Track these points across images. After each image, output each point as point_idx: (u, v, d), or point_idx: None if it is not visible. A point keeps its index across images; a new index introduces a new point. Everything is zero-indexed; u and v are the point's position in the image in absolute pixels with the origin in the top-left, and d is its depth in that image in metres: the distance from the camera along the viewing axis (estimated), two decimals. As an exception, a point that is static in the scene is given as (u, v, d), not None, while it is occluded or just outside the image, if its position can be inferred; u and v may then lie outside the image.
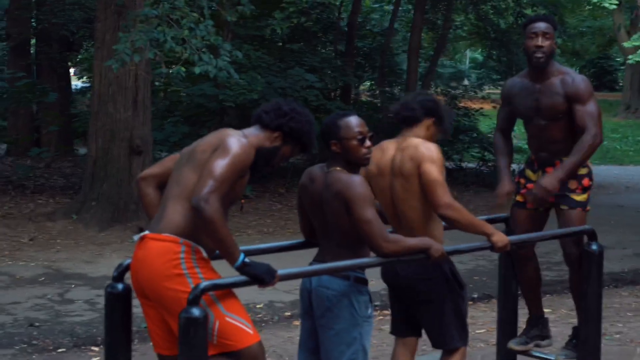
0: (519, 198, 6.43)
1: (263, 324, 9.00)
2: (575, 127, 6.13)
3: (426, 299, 5.53)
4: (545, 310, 9.09)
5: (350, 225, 4.92)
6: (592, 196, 19.02)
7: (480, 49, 33.73)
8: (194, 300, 4.34)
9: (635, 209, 17.17)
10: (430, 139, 5.53)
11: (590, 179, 6.29)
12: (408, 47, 21.55)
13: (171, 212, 4.64)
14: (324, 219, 5.06)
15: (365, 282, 5.11)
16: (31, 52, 22.52)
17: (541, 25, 6.15)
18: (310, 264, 5.15)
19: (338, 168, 5.01)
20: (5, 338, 8.27)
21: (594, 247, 5.99)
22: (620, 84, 50.17)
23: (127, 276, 4.88)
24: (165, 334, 4.74)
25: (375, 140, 5.39)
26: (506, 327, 6.58)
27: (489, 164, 19.74)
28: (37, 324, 8.68)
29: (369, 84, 25.89)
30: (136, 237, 4.74)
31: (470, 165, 20.70)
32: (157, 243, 4.62)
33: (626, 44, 22.78)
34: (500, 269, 6.61)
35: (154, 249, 4.61)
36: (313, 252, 5.28)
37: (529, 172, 6.43)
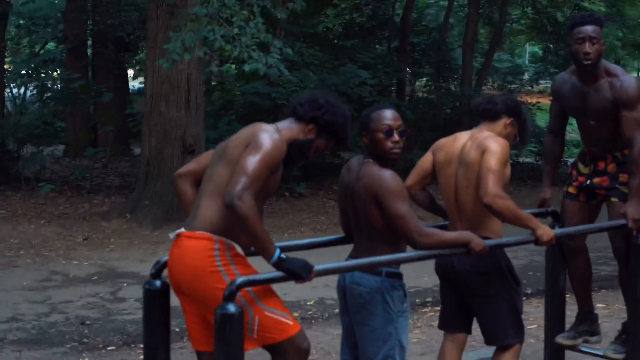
0: (570, 190, 6.34)
1: (313, 321, 9.00)
2: (620, 131, 6.03)
3: (483, 293, 5.47)
4: (599, 305, 9.01)
5: (381, 219, 4.86)
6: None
7: (539, 43, 33.35)
8: (229, 296, 4.31)
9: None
10: (505, 137, 5.50)
11: None
12: (463, 41, 21.39)
13: (205, 209, 4.63)
14: (356, 211, 5.01)
15: (399, 276, 5.04)
16: (88, 53, 22.73)
17: (587, 29, 5.98)
18: (346, 259, 5.10)
19: (371, 161, 4.96)
20: (57, 336, 8.34)
21: (643, 240, 5.86)
22: (683, 77, 49.42)
23: (165, 273, 4.87)
24: (204, 330, 4.73)
25: (428, 137, 5.34)
26: (554, 322, 6.47)
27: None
28: (88, 322, 8.75)
29: (425, 80, 25.75)
30: (172, 235, 4.73)
31: (528, 160, 20.50)
32: (191, 241, 4.61)
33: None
34: (547, 263, 6.50)
35: (189, 247, 4.60)
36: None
37: (580, 166, 6.34)
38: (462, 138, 5.53)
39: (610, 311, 8.81)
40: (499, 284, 5.44)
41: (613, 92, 6.00)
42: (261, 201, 4.59)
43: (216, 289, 4.48)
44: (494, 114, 5.55)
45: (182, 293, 4.70)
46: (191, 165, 5.01)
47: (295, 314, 9.06)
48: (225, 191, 4.41)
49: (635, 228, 5.88)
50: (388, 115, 5.00)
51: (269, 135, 4.56)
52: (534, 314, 8.89)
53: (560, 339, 6.37)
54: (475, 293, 5.49)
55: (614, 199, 6.14)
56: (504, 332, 5.49)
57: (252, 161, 4.45)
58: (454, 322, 5.74)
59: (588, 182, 6.22)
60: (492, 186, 5.15)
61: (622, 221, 5.92)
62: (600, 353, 6.30)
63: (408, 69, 21.09)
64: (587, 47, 5.95)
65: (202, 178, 4.83)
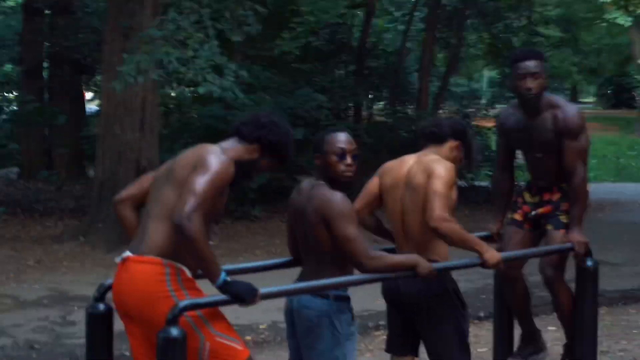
0: (516, 217, 6.36)
1: (265, 345, 8.95)
2: (564, 162, 6.10)
3: (428, 316, 5.46)
4: (550, 327, 9.03)
5: (329, 241, 4.86)
6: (607, 213, 18.95)
7: (496, 68, 33.59)
8: (173, 320, 4.28)
9: (649, 226, 17.05)
10: (452, 161, 5.51)
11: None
12: (419, 65, 21.48)
13: (152, 233, 4.58)
14: (305, 233, 5.00)
15: (346, 299, 5.02)
16: (44, 75, 22.60)
17: (529, 65, 5.97)
18: (295, 282, 5.08)
19: (322, 183, 4.96)
20: (5, 360, 8.24)
21: (589, 262, 5.91)
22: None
23: (109, 296, 4.82)
24: (150, 354, 4.67)
25: (385, 160, 5.40)
26: (502, 345, 6.50)
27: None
28: (37, 346, 8.63)
29: (382, 103, 25.82)
30: (118, 259, 4.68)
31: (483, 183, 20.58)
32: (141, 266, 4.56)
33: (642, 62, 22.71)
34: (495, 286, 6.53)
35: (139, 271, 4.55)
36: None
37: (526, 195, 6.40)
38: (409, 161, 5.53)
39: (562, 334, 8.79)
40: (445, 307, 5.44)
41: (555, 123, 6.05)
42: (208, 223, 4.56)
43: (167, 315, 4.42)
44: (440, 138, 5.58)
45: (128, 317, 4.65)
46: (132, 190, 4.94)
47: (248, 338, 9.01)
48: (174, 212, 4.37)
49: (581, 251, 5.92)
50: (342, 138, 5.01)
51: (216, 157, 4.54)
52: (485, 337, 8.89)
53: None
54: (422, 316, 5.49)
55: (549, 226, 6.19)
56: (450, 355, 5.49)
57: (200, 182, 4.42)
58: (400, 344, 5.74)
59: (533, 213, 6.26)
60: (438, 210, 5.16)
61: (568, 244, 5.96)
62: None
63: (366, 93, 21.10)
64: (529, 82, 5.97)
65: (144, 202, 4.79)
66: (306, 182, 5.13)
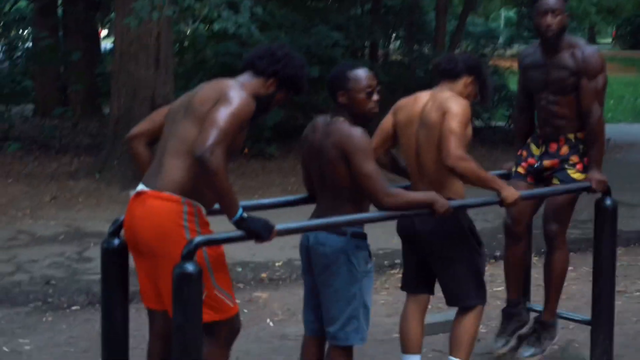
0: (519, 170, 6.31)
1: (280, 282, 8.96)
2: (578, 103, 6.04)
3: (444, 255, 5.45)
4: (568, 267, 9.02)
5: (348, 178, 4.82)
6: (624, 154, 18.90)
7: (513, 7, 33.31)
8: (188, 255, 4.25)
9: (666, 166, 16.96)
10: (466, 97, 5.46)
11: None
12: (436, 4, 21.29)
13: (170, 168, 4.53)
14: (321, 170, 4.95)
15: (363, 236, 5.00)
16: (58, 12, 22.46)
17: (550, 2, 6.00)
18: (309, 219, 5.04)
19: (341, 119, 4.90)
20: (21, 296, 8.26)
21: (608, 202, 5.86)
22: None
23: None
24: (159, 289, 4.65)
25: (398, 97, 5.35)
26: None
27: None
28: (53, 281, 8.66)
29: (398, 42, 25.66)
30: (132, 192, 4.64)
31: (500, 123, 20.50)
32: (158, 202, 4.51)
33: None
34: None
35: (156, 207, 4.51)
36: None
37: (532, 146, 6.33)
38: (423, 98, 5.47)
39: (578, 273, 8.81)
40: (460, 246, 5.42)
41: (575, 62, 6.01)
42: (229, 159, 4.51)
43: (178, 255, 4.38)
44: (455, 74, 5.52)
45: (138, 251, 4.63)
46: (145, 125, 4.89)
47: (263, 275, 9.03)
48: (196, 145, 4.31)
49: (600, 189, 5.88)
50: (368, 75, 4.98)
51: (237, 92, 4.49)
52: (501, 275, 8.82)
53: (499, 350, 6.39)
54: (437, 254, 5.47)
55: (556, 180, 6.13)
56: (466, 293, 5.48)
57: (224, 116, 4.36)
58: (415, 283, 5.72)
59: (537, 164, 6.20)
60: (454, 148, 5.11)
61: (586, 183, 5.92)
62: (586, 319, 6.27)
63: (382, 31, 20.94)
64: (549, 19, 5.97)
65: (157, 137, 4.75)
66: (321, 119, 5.07)
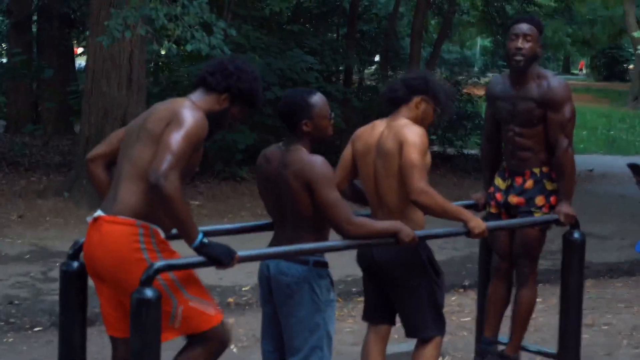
0: (492, 210, 6.26)
1: (247, 307, 8.89)
2: (547, 134, 6.00)
3: (402, 285, 5.37)
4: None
5: (310, 207, 4.74)
6: (596, 185, 18.90)
7: (489, 36, 33.48)
8: (147, 281, 4.16)
9: (638, 199, 16.96)
10: (422, 118, 5.39)
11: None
12: (411, 30, 21.33)
13: (125, 193, 4.45)
14: (280, 200, 4.87)
15: (325, 265, 4.93)
16: (33, 28, 22.37)
17: (523, 27, 5.97)
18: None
19: (299, 147, 4.83)
20: (-17, 315, 8.14)
21: (576, 235, 5.82)
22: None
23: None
24: (120, 316, 4.57)
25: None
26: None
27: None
28: (16, 302, 8.54)
29: (373, 68, 25.70)
30: (89, 218, 4.55)
31: (472, 151, 20.52)
32: (113, 226, 4.43)
33: (636, 34, 22.61)
34: (480, 255, 6.44)
35: (111, 232, 4.43)
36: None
37: (499, 180, 6.26)
38: (379, 127, 5.39)
39: (546, 305, 8.76)
40: (418, 276, 5.33)
41: (540, 93, 5.96)
42: (184, 181, 4.44)
43: (140, 277, 4.30)
44: (402, 100, 5.41)
45: (99, 278, 4.54)
46: (102, 148, 4.80)
47: (230, 299, 8.95)
48: (150, 170, 4.22)
49: (568, 222, 5.84)
50: (324, 99, 4.94)
51: (190, 112, 4.40)
52: (469, 305, 8.83)
53: None
54: (395, 284, 5.39)
55: None
56: (424, 324, 5.40)
57: (177, 139, 4.28)
58: (376, 313, 5.64)
59: (504, 199, 6.15)
60: (417, 181, 5.06)
61: (554, 216, 5.88)
62: (552, 352, 6.22)
63: (357, 56, 20.94)
64: (520, 42, 5.92)
65: (115, 159, 4.67)
66: (273, 148, 4.99)
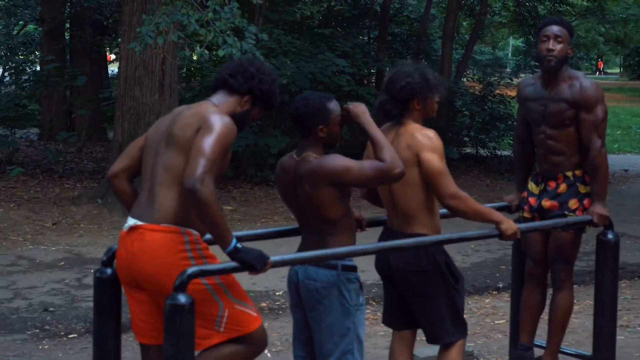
0: (525, 215, 6.21)
1: (280, 312, 8.89)
2: (580, 135, 5.96)
3: (420, 292, 5.29)
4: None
5: (333, 210, 4.77)
6: (631, 185, 18.82)
7: (521, 36, 33.34)
8: (180, 287, 4.18)
9: (673, 198, 16.87)
10: (426, 113, 5.29)
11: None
12: (443, 32, 21.30)
13: (163, 199, 4.45)
14: (302, 207, 4.89)
15: (354, 269, 4.92)
16: (65, 36, 22.52)
17: (554, 29, 5.95)
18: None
19: (310, 153, 4.85)
20: (19, 323, 8.21)
21: (610, 235, 5.77)
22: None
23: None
24: (155, 323, 4.58)
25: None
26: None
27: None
28: (51, 308, 8.61)
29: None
30: (126, 227, 4.55)
31: (506, 152, 20.45)
32: (158, 234, 4.43)
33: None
34: (513, 258, 6.41)
35: (156, 241, 4.43)
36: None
37: (532, 185, 6.22)
38: (388, 135, 5.21)
39: (581, 307, 8.71)
40: (436, 282, 5.26)
41: (572, 93, 5.92)
42: (216, 185, 4.45)
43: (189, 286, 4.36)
44: (401, 107, 5.24)
45: (137, 286, 4.55)
46: (124, 162, 4.76)
47: (264, 304, 8.96)
48: (186, 176, 4.23)
49: (601, 224, 5.80)
50: (338, 105, 4.92)
51: (219, 117, 4.42)
52: (503, 308, 8.80)
53: None
54: (413, 291, 5.31)
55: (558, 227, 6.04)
56: (445, 330, 5.33)
57: (210, 144, 4.29)
58: (398, 319, 5.56)
59: (537, 203, 6.11)
60: (448, 187, 5.03)
61: (587, 217, 5.84)
62: (587, 354, 6.17)
63: (389, 59, 20.91)
64: (551, 44, 5.90)
65: (138, 171, 4.69)
66: (287, 158, 5.01)
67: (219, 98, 4.63)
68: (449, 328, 5.32)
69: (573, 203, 5.99)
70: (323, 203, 4.75)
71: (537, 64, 26.92)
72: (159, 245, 4.42)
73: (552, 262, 6.10)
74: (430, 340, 5.46)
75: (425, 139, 5.11)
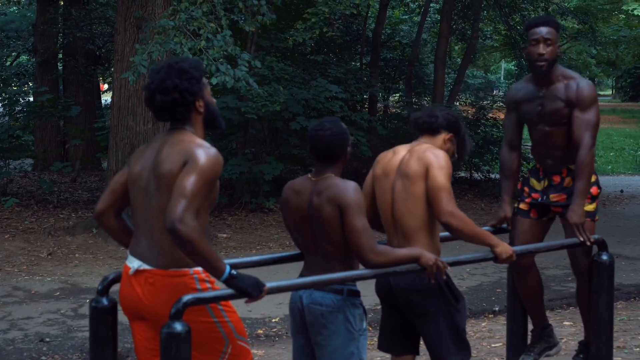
0: (522, 206, 6.23)
1: (277, 338, 8.88)
2: (571, 134, 5.96)
3: (421, 312, 5.31)
4: (565, 323, 8.92)
5: (341, 234, 4.75)
6: (624, 206, 18.88)
7: (513, 60, 33.48)
8: (176, 315, 4.17)
9: (667, 219, 16.89)
10: (447, 150, 5.40)
11: (599, 187, 6.09)
12: (435, 57, 21.38)
13: (164, 244, 4.41)
14: (312, 231, 4.89)
15: (358, 294, 4.94)
16: (58, 66, 22.56)
17: (542, 31, 5.95)
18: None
19: (331, 174, 4.88)
20: (15, 354, 8.19)
21: (605, 257, 5.78)
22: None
23: (113, 290, 4.72)
24: (157, 350, 4.57)
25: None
26: (516, 340, 6.36)
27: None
28: (47, 339, 8.59)
29: (397, 95, 25.75)
30: (131, 271, 4.53)
31: (499, 176, 20.45)
32: (169, 280, 4.43)
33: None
34: (509, 280, 6.41)
35: (167, 287, 4.43)
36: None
37: (533, 182, 6.24)
38: (401, 152, 5.39)
39: (577, 329, 8.70)
40: (436, 302, 5.27)
41: (568, 93, 5.95)
42: (205, 213, 4.44)
43: (202, 323, 4.42)
44: (434, 128, 5.43)
45: (144, 320, 4.54)
46: (109, 199, 4.74)
47: (260, 331, 8.96)
48: (165, 216, 4.21)
49: (579, 223, 5.77)
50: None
51: (204, 151, 4.37)
52: (500, 331, 8.79)
53: None
54: (414, 311, 5.33)
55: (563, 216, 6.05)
56: (447, 350, 5.33)
57: (192, 181, 4.25)
58: (395, 344, 5.55)
59: (543, 198, 6.13)
60: (447, 204, 5.05)
61: (575, 240, 5.83)
62: None
63: (381, 84, 21.01)
64: (541, 48, 5.92)
65: (123, 205, 4.69)
66: (300, 181, 5.03)
67: (188, 128, 4.54)
68: (450, 347, 5.33)
69: None
70: (335, 225, 4.77)
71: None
72: (171, 290, 4.42)
73: (574, 259, 6.07)
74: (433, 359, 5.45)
75: (435, 157, 5.20)
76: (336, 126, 4.95)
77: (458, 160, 5.58)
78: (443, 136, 5.43)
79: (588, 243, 5.80)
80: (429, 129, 5.44)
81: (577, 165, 5.90)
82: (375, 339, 8.51)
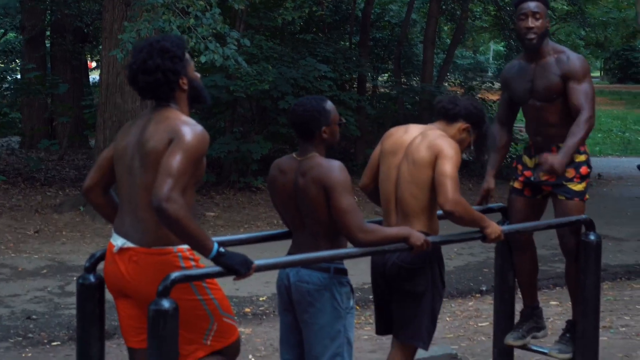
0: (516, 185, 6.24)
1: (264, 317, 8.89)
2: (570, 106, 5.93)
3: (408, 288, 5.29)
4: (552, 302, 8.95)
5: (328, 213, 4.74)
6: (612, 188, 18.96)
7: (502, 41, 33.43)
8: (163, 292, 4.16)
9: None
10: (458, 142, 5.35)
11: (589, 167, 6.08)
12: (424, 37, 21.35)
13: (149, 222, 4.39)
14: (298, 209, 4.87)
15: (345, 272, 4.92)
16: (46, 44, 22.46)
17: (530, 5, 5.93)
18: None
19: (315, 154, 4.85)
20: (1, 331, 8.19)
21: (592, 237, 5.78)
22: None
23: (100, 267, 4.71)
24: (143, 327, 4.55)
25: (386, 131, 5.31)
26: (503, 320, 6.35)
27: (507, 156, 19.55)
28: (34, 316, 8.58)
29: (386, 75, 25.72)
30: (115, 249, 4.51)
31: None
32: (152, 258, 4.41)
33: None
34: (496, 260, 6.41)
35: (151, 265, 4.41)
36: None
37: (525, 159, 6.24)
38: (413, 131, 5.36)
39: (564, 308, 8.73)
40: (426, 283, 5.28)
41: (560, 66, 5.93)
42: (192, 191, 4.42)
43: (188, 301, 4.39)
44: (451, 116, 5.40)
45: (129, 298, 4.53)
46: (96, 176, 4.73)
47: (247, 310, 8.97)
48: (152, 195, 4.18)
49: (550, 170, 5.71)
50: (333, 105, 4.96)
51: (190, 128, 4.34)
52: (487, 310, 8.82)
53: (510, 340, 6.26)
54: (402, 288, 5.31)
55: (561, 197, 6.04)
56: (418, 333, 5.32)
57: (178, 160, 4.22)
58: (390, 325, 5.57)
59: (534, 177, 6.13)
60: (452, 193, 5.03)
61: (571, 218, 5.85)
62: (547, 351, 6.21)
63: (370, 64, 20.97)
64: (530, 22, 5.90)
65: (110, 181, 4.67)
66: (285, 159, 5.01)
67: (173, 105, 4.50)
68: (422, 332, 5.31)
69: (570, 172, 5.97)
70: (320, 204, 4.75)
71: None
72: (155, 268, 4.40)
73: (562, 237, 6.07)
74: (399, 336, 5.40)
75: (447, 146, 5.17)
76: (313, 104, 4.90)
77: (476, 155, 5.55)
78: (459, 125, 5.39)
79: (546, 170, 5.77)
80: (446, 115, 5.41)
81: (573, 125, 5.85)
82: (362, 317, 8.58)
